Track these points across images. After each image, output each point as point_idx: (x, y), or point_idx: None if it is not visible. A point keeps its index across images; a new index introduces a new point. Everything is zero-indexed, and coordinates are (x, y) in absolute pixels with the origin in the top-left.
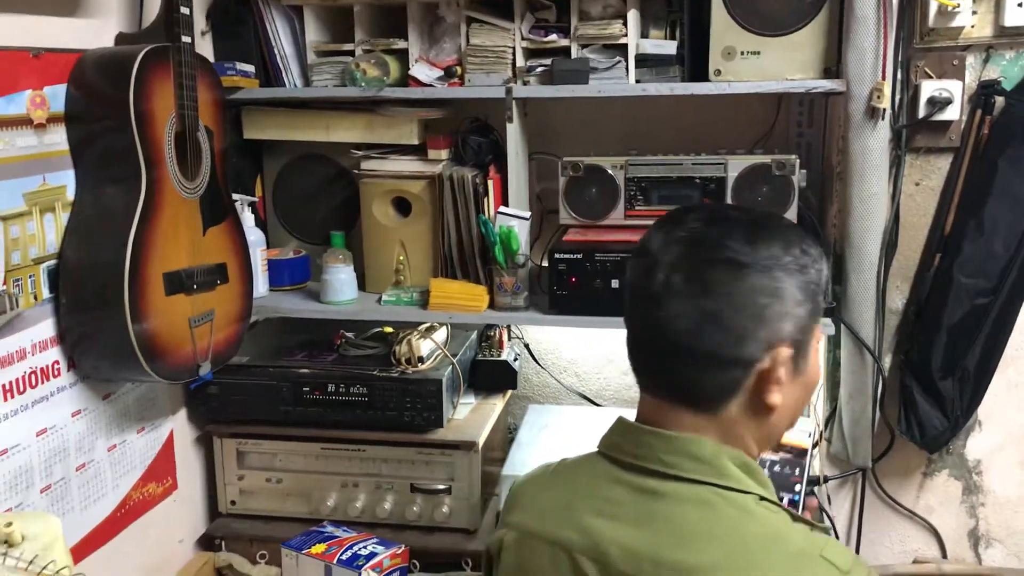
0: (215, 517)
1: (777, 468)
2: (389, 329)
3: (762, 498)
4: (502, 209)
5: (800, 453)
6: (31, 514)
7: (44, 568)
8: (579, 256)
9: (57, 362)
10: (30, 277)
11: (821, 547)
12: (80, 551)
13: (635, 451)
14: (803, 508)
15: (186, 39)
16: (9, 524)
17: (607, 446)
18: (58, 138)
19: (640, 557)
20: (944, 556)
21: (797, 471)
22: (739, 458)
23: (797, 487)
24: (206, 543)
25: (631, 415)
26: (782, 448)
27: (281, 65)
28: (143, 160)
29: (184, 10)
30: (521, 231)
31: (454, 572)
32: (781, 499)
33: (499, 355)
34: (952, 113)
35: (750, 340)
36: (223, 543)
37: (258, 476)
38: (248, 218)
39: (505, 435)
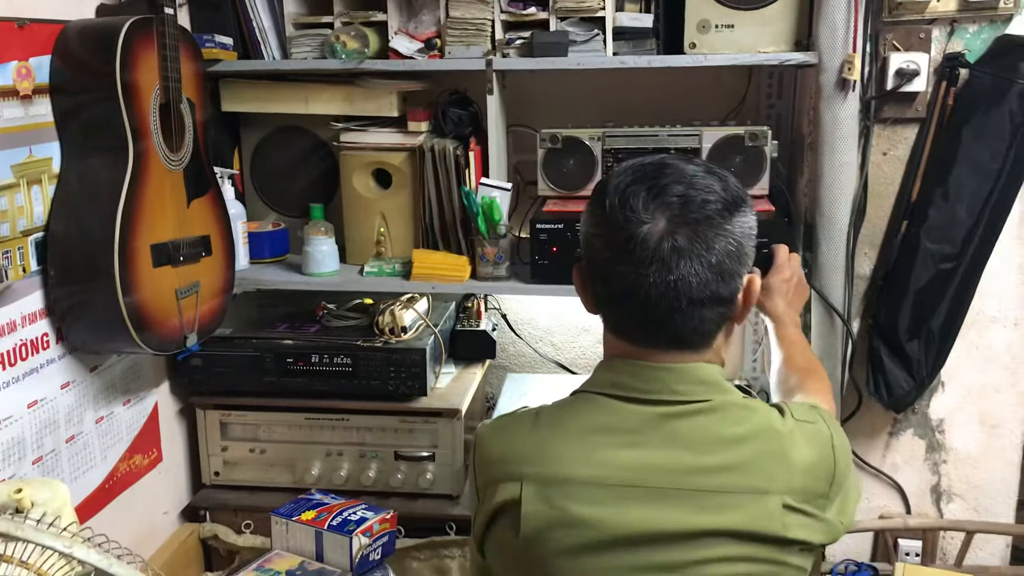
0: (199, 488)
1: None
2: (369, 300)
3: (745, 398)
4: (484, 180)
5: None
6: (39, 481)
7: (66, 528)
8: (560, 226)
9: (46, 334)
10: (19, 249)
11: (793, 412)
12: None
13: (645, 386)
14: None
15: (168, 10)
16: (19, 491)
17: (609, 386)
18: (44, 109)
19: (677, 471)
20: (908, 511)
21: None
22: (722, 371)
23: None
24: (191, 514)
25: None
26: None
27: (259, 37)
28: (130, 132)
29: None
30: (503, 202)
31: (439, 536)
32: None
33: (477, 325)
34: (919, 85)
35: (737, 277)
36: (208, 514)
37: (242, 447)
38: (228, 191)
39: (484, 403)
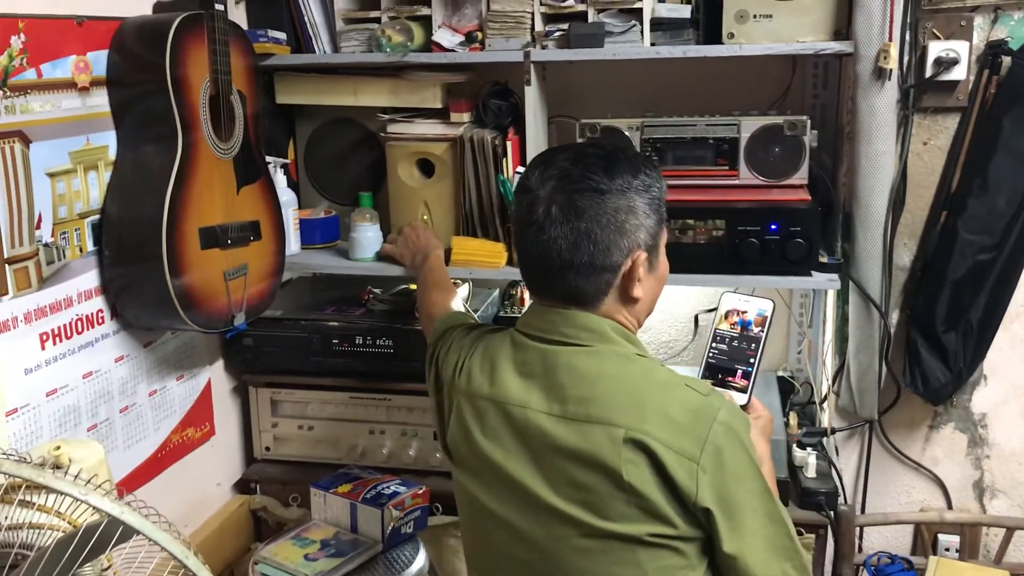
0: (251, 462)
1: (735, 343)
2: (413, 286)
3: (638, 354)
4: (519, 169)
5: (754, 335)
6: (76, 440)
7: (100, 486)
8: None
9: (101, 310)
10: (75, 230)
11: (684, 379)
12: (124, 487)
13: (542, 326)
14: (755, 378)
15: (219, 7)
16: (58, 448)
17: (522, 324)
18: (100, 101)
19: (551, 398)
20: (949, 507)
21: (753, 346)
22: (619, 328)
23: (751, 360)
24: (242, 487)
25: None
26: (743, 328)
27: (311, 32)
28: (179, 122)
29: None
30: None
31: None
32: (735, 370)
33: (521, 312)
34: (959, 73)
35: (615, 249)
36: (258, 487)
37: (291, 423)
38: (281, 179)
39: None
